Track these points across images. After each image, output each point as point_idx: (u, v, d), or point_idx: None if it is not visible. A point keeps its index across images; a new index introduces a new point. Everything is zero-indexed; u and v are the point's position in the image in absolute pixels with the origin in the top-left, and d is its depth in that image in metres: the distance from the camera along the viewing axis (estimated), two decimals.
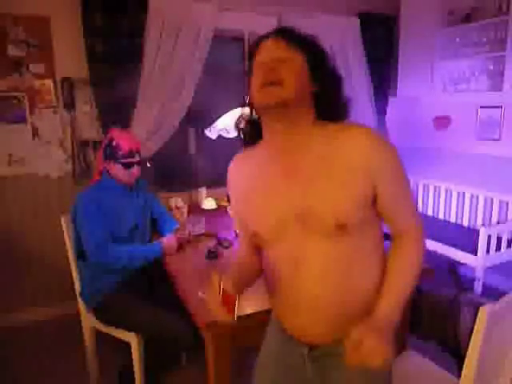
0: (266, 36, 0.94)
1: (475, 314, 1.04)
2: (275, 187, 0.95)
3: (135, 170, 1.89)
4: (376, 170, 0.88)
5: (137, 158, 1.89)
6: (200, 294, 1.44)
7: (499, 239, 2.65)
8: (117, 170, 1.86)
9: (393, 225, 0.98)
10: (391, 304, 0.92)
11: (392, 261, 0.98)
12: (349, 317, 0.95)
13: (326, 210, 0.88)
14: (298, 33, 0.95)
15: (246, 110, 1.02)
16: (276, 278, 1.00)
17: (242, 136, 1.04)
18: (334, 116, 0.94)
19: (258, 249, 1.09)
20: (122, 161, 1.84)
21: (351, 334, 0.82)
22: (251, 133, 1.02)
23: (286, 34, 0.93)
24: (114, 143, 1.84)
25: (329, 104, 0.94)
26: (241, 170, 1.07)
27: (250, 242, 1.09)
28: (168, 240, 1.90)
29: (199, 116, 2.98)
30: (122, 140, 1.86)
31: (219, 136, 2.23)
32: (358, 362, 0.80)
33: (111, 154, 1.84)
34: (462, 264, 2.71)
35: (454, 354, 2.02)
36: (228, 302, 0.90)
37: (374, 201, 0.91)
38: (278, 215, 0.93)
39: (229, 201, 2.83)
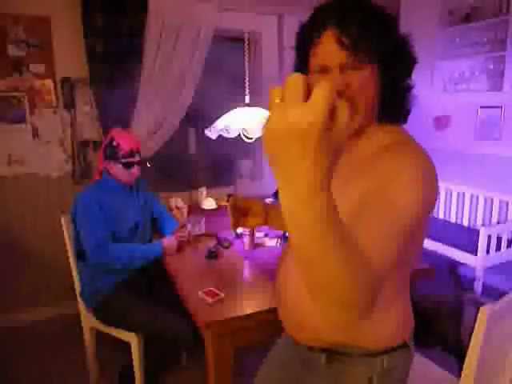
0: (323, 20, 0.74)
1: (475, 314, 1.03)
2: None
3: (135, 169, 1.89)
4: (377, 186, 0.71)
5: (137, 158, 1.89)
6: (200, 293, 1.44)
7: (499, 239, 2.64)
8: (117, 169, 1.86)
9: None
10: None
11: None
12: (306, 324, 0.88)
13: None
14: (369, 19, 0.73)
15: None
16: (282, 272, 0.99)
17: None
18: (395, 120, 0.84)
19: None
20: (123, 161, 1.84)
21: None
22: None
23: (353, 25, 0.72)
24: (114, 143, 1.84)
25: (394, 111, 0.82)
26: None
27: None
28: (168, 240, 1.91)
29: (199, 116, 2.98)
30: (122, 140, 1.86)
31: (219, 136, 2.23)
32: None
33: (112, 153, 1.84)
34: (462, 264, 2.71)
35: (454, 354, 2.02)
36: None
37: None
38: None
39: (229, 201, 2.84)
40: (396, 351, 0.90)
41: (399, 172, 0.71)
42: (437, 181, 0.77)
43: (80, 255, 1.88)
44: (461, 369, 1.10)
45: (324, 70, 0.76)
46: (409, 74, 0.81)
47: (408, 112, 0.84)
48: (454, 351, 2.04)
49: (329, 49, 0.74)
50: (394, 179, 0.70)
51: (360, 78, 0.74)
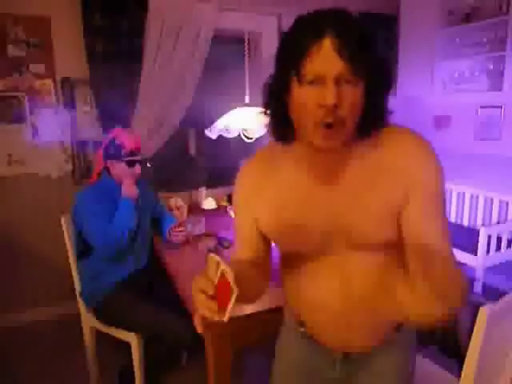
0: (321, 28, 0.71)
1: (475, 314, 1.03)
2: (315, 198, 0.85)
3: (137, 168, 1.89)
4: (414, 188, 0.79)
5: (139, 157, 1.89)
6: None
7: (499, 239, 2.64)
8: (120, 168, 1.84)
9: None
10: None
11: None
12: (386, 328, 0.95)
13: (371, 228, 0.82)
14: (363, 35, 0.73)
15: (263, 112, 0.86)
16: (315, 291, 0.92)
17: (273, 135, 0.86)
18: (378, 126, 0.82)
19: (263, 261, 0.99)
20: (126, 159, 1.83)
21: None
22: (282, 133, 0.84)
23: (352, 36, 0.71)
24: (117, 142, 1.83)
25: (377, 118, 0.80)
26: (267, 173, 0.90)
27: (256, 253, 0.96)
28: (123, 189, 1.84)
29: (199, 116, 2.98)
30: (124, 139, 1.85)
31: (219, 136, 2.23)
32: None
33: (114, 152, 1.83)
34: (462, 264, 2.71)
35: (453, 354, 2.02)
36: (222, 293, 0.70)
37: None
38: (321, 229, 0.85)
39: (229, 201, 2.83)
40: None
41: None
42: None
43: (80, 255, 1.88)
44: (461, 369, 1.10)
45: (318, 80, 0.71)
46: (389, 87, 0.80)
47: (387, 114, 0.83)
48: (453, 351, 2.04)
49: (327, 57, 0.70)
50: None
51: (354, 95, 0.72)
